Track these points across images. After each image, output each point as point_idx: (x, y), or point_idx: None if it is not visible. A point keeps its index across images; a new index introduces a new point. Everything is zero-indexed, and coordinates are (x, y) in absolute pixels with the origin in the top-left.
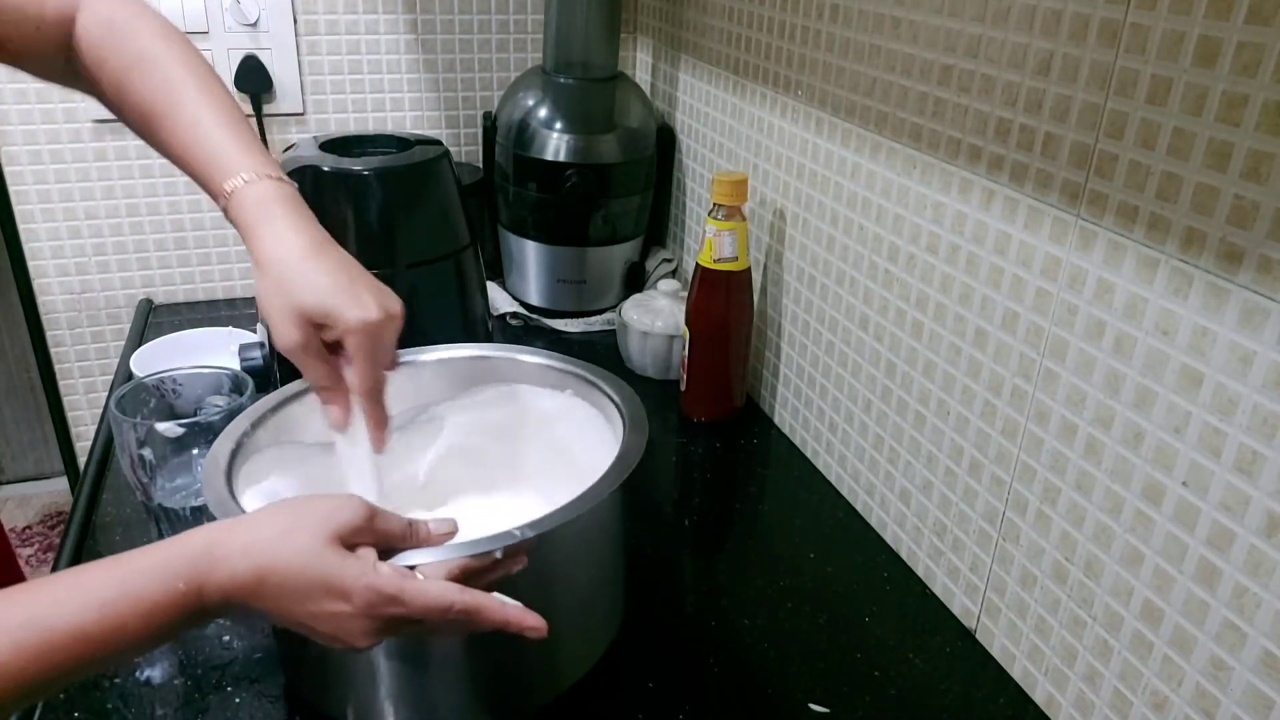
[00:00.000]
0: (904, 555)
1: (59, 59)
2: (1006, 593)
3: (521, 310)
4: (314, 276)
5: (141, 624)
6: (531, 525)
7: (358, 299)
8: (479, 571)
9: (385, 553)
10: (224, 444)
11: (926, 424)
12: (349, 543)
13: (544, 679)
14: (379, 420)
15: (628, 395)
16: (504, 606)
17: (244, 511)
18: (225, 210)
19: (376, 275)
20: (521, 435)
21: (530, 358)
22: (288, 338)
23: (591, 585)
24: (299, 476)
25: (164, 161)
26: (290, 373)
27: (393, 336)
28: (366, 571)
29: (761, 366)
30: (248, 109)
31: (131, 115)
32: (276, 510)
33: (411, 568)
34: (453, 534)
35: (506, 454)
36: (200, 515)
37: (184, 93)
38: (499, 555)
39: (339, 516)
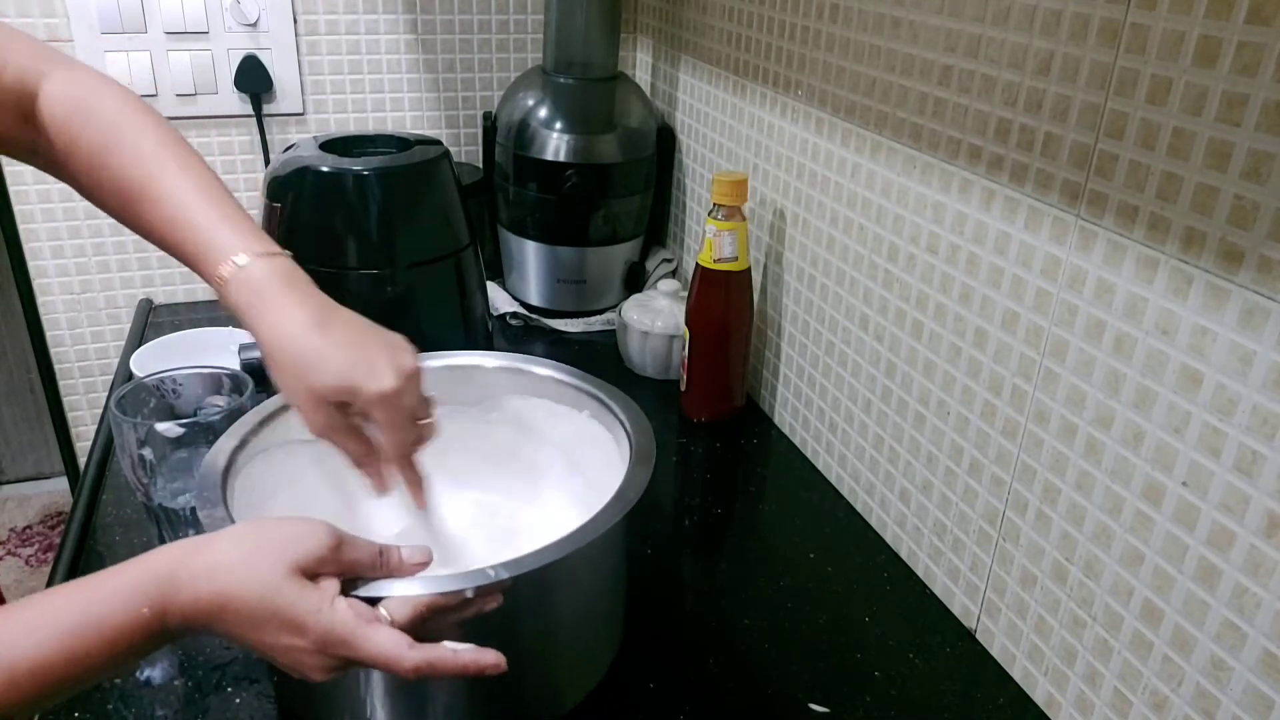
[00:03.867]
0: (904, 555)
1: (16, 132)
2: (1006, 593)
3: (521, 310)
4: (325, 356)
5: (106, 650)
6: (507, 565)
7: (373, 370)
8: (448, 609)
9: (352, 582)
10: (226, 442)
11: (926, 424)
12: (311, 572)
13: (544, 702)
14: (414, 481)
15: (641, 425)
16: (456, 655)
17: (231, 519)
18: (222, 296)
19: (376, 275)
20: (532, 454)
21: (543, 370)
22: (315, 423)
23: (589, 613)
24: (302, 479)
25: None
26: None
27: (415, 397)
28: (323, 608)
29: (761, 366)
30: (248, 109)
31: (107, 197)
32: (243, 532)
33: (377, 601)
34: (425, 563)
35: (515, 472)
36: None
37: (162, 169)
38: (470, 595)
39: (302, 546)
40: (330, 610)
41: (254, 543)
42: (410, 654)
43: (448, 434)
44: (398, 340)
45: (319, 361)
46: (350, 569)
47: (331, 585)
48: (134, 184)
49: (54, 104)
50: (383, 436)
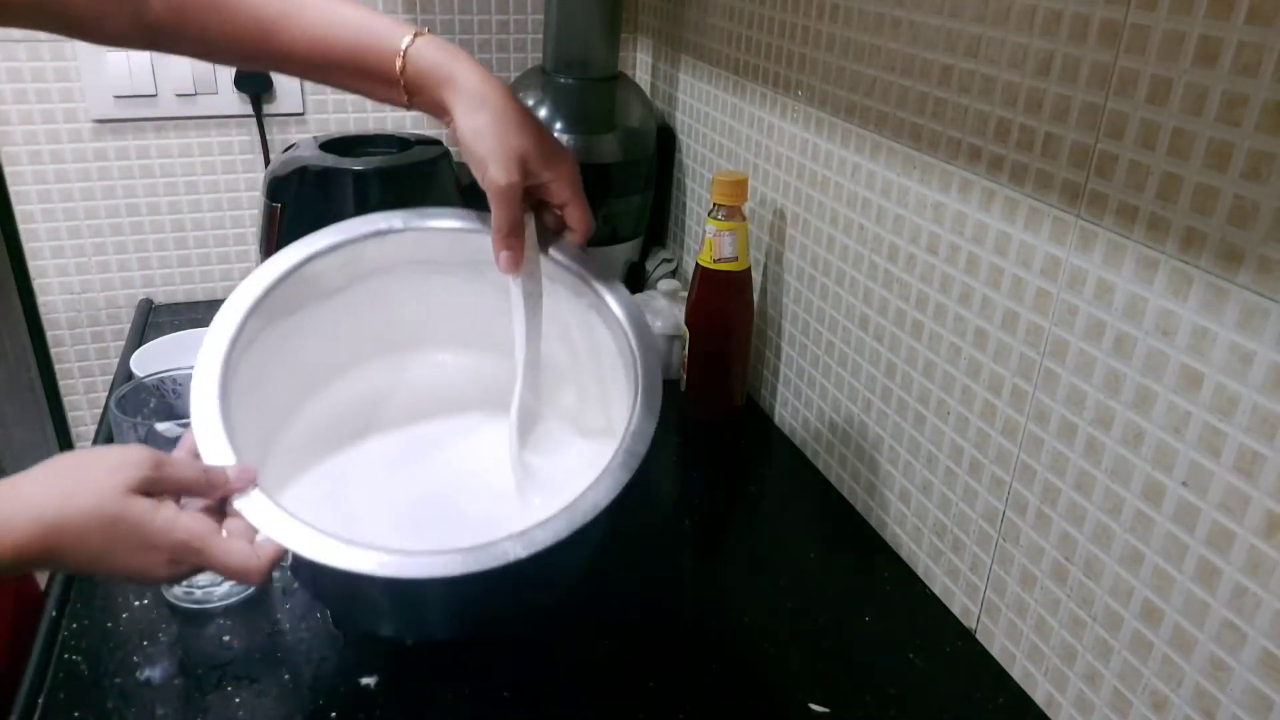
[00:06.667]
0: (904, 555)
1: (124, 16)
2: (1006, 593)
3: None
4: (529, 125)
5: None
6: (522, 542)
7: (561, 148)
8: None
9: (183, 499)
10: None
11: (926, 424)
12: (145, 492)
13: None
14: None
15: (651, 369)
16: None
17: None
18: (402, 71)
19: None
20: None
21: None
22: (506, 177)
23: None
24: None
25: (164, 161)
26: None
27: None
28: (177, 522)
29: (761, 366)
30: (248, 109)
31: (236, 42)
32: (54, 471)
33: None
34: (253, 479)
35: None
36: None
37: None
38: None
39: (128, 470)
40: (184, 523)
41: (71, 477)
42: (256, 565)
43: (437, 298)
44: None
45: (523, 127)
46: (179, 487)
47: (169, 502)
48: (267, 18)
49: None
50: (570, 205)
